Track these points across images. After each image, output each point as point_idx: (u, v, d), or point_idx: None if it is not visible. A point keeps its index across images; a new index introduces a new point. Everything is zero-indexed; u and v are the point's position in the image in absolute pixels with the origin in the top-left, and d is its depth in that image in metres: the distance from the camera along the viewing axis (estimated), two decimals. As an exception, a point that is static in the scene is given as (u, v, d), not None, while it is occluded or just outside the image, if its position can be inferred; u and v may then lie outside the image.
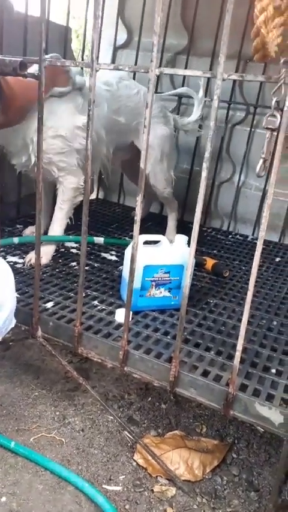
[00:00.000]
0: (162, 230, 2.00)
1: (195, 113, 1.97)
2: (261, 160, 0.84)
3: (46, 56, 1.03)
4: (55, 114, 1.47)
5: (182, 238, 1.40)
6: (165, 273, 1.37)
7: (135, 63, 2.26)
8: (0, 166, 1.85)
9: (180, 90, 2.03)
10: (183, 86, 2.25)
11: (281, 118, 0.78)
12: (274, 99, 0.78)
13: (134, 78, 2.27)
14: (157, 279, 1.36)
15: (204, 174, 0.87)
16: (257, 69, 2.07)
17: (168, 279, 1.38)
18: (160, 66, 2.28)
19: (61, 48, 2.13)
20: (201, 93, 1.92)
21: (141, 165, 0.95)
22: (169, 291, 1.39)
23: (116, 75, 1.72)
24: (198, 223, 0.93)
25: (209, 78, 2.14)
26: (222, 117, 2.19)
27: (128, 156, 1.95)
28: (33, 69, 1.08)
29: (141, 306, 1.37)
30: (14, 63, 0.99)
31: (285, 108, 0.77)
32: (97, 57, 0.92)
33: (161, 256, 1.36)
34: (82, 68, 2.16)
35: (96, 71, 0.94)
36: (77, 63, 1.10)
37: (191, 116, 1.98)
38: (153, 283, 1.36)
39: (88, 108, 0.97)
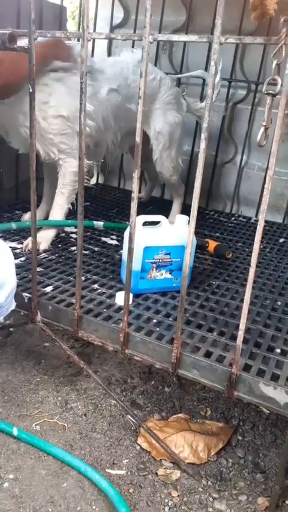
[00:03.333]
0: (164, 214, 1.93)
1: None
2: (262, 128, 0.80)
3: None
4: (58, 94, 1.42)
5: (183, 219, 1.36)
6: (166, 254, 1.33)
7: (133, 42, 2.20)
8: (-2, 151, 1.82)
9: (195, 73, 1.96)
10: (181, 65, 2.21)
11: (282, 82, 0.74)
12: (274, 62, 0.74)
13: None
14: (158, 260, 1.33)
15: (202, 145, 0.83)
16: (258, 47, 2.01)
17: (169, 260, 1.34)
18: (158, 44, 2.22)
19: (56, 28, 2.07)
20: (218, 77, 1.86)
21: (137, 139, 0.91)
22: (170, 273, 1.36)
23: (135, 59, 1.66)
24: (197, 199, 0.89)
25: (207, 60, 2.11)
26: (223, 96, 2.13)
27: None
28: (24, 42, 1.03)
29: (142, 288, 1.34)
30: (3, 36, 0.95)
31: (286, 71, 0.73)
32: (88, 26, 0.88)
33: (162, 237, 1.33)
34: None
35: (88, 40, 0.89)
36: (68, 34, 1.06)
37: (204, 101, 1.92)
38: (154, 265, 1.33)
39: (80, 81, 0.93)
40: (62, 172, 1.54)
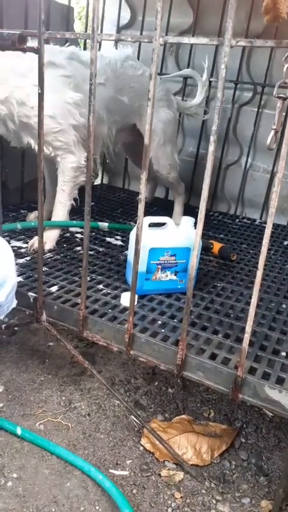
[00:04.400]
0: (168, 215, 1.94)
1: (199, 96, 1.91)
2: (272, 132, 0.80)
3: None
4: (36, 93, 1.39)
5: (189, 221, 1.36)
6: (171, 255, 1.34)
7: (139, 44, 2.20)
8: (3, 152, 1.82)
9: (184, 71, 1.97)
10: (188, 66, 2.21)
11: (293, 86, 0.74)
12: (286, 66, 0.74)
13: (138, 58, 2.23)
14: (163, 262, 1.33)
15: (211, 148, 0.84)
16: (265, 49, 2.01)
17: (175, 262, 1.35)
18: (165, 44, 2.22)
19: (63, 28, 2.08)
20: (205, 76, 1.87)
21: (146, 141, 0.91)
22: (175, 274, 1.36)
23: (122, 55, 1.66)
24: (205, 201, 0.89)
25: (214, 60, 2.12)
26: (229, 98, 2.14)
27: (131, 139, 1.90)
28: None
29: (147, 289, 1.34)
30: (12, 37, 0.95)
31: (297, 75, 0.73)
32: (97, 27, 0.88)
33: (167, 239, 1.33)
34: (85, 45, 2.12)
35: (98, 42, 0.90)
36: (78, 35, 1.06)
37: (195, 99, 1.93)
38: (159, 266, 1.33)
39: (90, 82, 0.93)
40: (61, 169, 1.53)
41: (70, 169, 1.51)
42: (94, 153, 1.62)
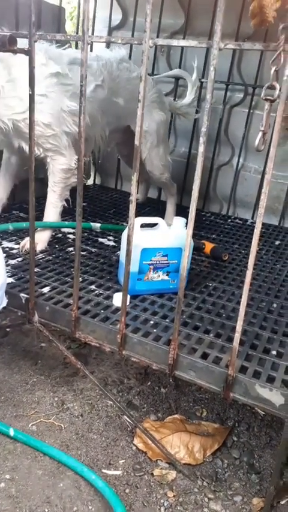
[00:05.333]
0: (160, 215, 1.95)
1: (189, 96, 1.93)
2: (260, 133, 0.81)
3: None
4: (39, 98, 1.37)
5: (180, 221, 1.37)
6: (163, 256, 1.34)
7: (131, 45, 2.21)
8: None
9: (173, 72, 1.98)
10: (179, 67, 2.21)
11: (280, 88, 0.75)
12: (273, 68, 0.75)
13: (130, 58, 2.24)
14: (155, 262, 1.34)
15: (201, 149, 0.84)
16: (255, 50, 2.02)
17: (167, 262, 1.35)
18: (156, 46, 2.23)
19: (54, 29, 2.08)
20: (194, 75, 1.88)
21: (136, 142, 0.91)
22: (167, 275, 1.37)
23: (117, 56, 1.67)
24: (195, 202, 0.90)
25: (205, 61, 2.13)
26: (220, 99, 2.15)
27: (124, 139, 1.91)
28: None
29: (139, 289, 1.35)
30: (3, 38, 0.96)
31: (284, 78, 0.74)
32: (88, 29, 0.89)
33: (159, 239, 1.34)
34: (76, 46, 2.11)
35: (88, 43, 0.90)
36: (68, 37, 1.06)
37: (185, 99, 1.94)
38: (151, 266, 1.34)
39: (80, 83, 0.94)
40: (51, 170, 1.53)
41: (60, 170, 1.52)
42: (85, 153, 1.63)
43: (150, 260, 1.33)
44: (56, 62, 1.44)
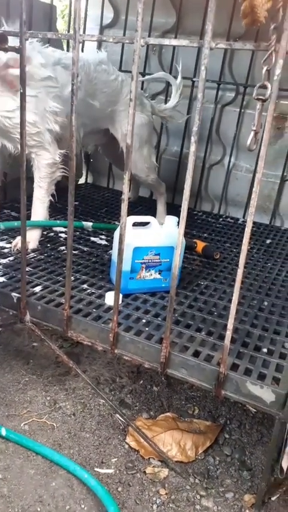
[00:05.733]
0: (153, 214, 1.97)
1: (172, 99, 1.92)
2: (252, 133, 0.81)
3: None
4: (29, 98, 1.38)
5: (172, 220, 1.37)
6: (156, 254, 1.35)
7: (122, 44, 2.21)
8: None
9: (157, 74, 1.98)
10: (171, 66, 2.22)
11: (272, 88, 0.75)
12: (265, 68, 0.75)
13: (121, 57, 2.24)
14: (147, 261, 1.34)
15: (192, 148, 0.85)
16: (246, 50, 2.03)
17: (159, 261, 1.36)
18: (147, 45, 2.23)
19: (46, 27, 2.07)
20: (179, 79, 1.88)
21: (128, 141, 0.92)
22: (159, 273, 1.37)
23: (96, 59, 1.66)
24: (187, 200, 0.90)
25: (197, 60, 2.13)
26: (212, 98, 2.15)
27: (104, 141, 1.90)
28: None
29: (131, 288, 1.35)
30: (-6, 36, 0.95)
31: (275, 77, 0.74)
32: (79, 28, 0.88)
33: (151, 238, 1.34)
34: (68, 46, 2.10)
35: (80, 42, 0.90)
36: (59, 35, 1.06)
37: (168, 103, 1.94)
38: (143, 265, 1.34)
39: (72, 82, 0.94)
40: (36, 166, 1.54)
41: (46, 165, 1.52)
42: (63, 148, 1.62)
43: (143, 259, 1.33)
44: (48, 64, 1.47)
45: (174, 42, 0.83)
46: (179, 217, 0.97)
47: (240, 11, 0.71)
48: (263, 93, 0.79)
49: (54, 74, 1.48)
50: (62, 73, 1.51)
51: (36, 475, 1.13)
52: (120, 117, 1.75)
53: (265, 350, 1.14)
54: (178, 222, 1.29)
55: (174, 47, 2.20)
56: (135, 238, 1.30)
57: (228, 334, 0.95)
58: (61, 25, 3.29)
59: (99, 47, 2.36)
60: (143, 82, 2.21)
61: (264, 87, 0.77)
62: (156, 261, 1.35)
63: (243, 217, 2.24)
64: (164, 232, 1.36)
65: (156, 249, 1.34)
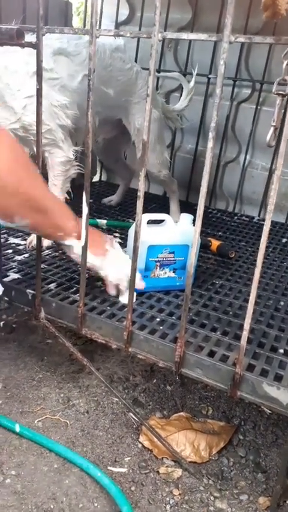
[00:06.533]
0: (166, 212, 1.96)
1: (182, 102, 1.90)
2: (271, 129, 0.79)
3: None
4: (29, 100, 1.35)
5: (187, 218, 1.36)
6: (170, 253, 1.33)
7: (138, 40, 2.20)
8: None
9: (171, 74, 1.96)
10: (186, 63, 2.20)
11: (292, 82, 0.73)
12: (285, 62, 0.74)
13: (136, 56, 2.22)
14: (161, 259, 1.33)
15: (210, 144, 0.83)
16: (263, 46, 2.01)
17: (173, 259, 1.34)
18: (163, 40, 2.21)
19: (61, 24, 2.07)
20: (192, 83, 1.85)
21: (144, 137, 0.91)
22: (174, 272, 1.36)
23: (112, 44, 1.62)
24: (204, 198, 0.89)
25: (213, 57, 2.11)
26: (228, 95, 2.13)
27: (114, 134, 1.88)
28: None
29: (145, 287, 1.34)
30: (10, 31, 0.95)
31: (296, 72, 0.72)
32: (96, 22, 0.88)
33: (166, 236, 1.33)
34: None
35: (97, 37, 0.89)
36: (76, 30, 1.05)
37: (177, 104, 1.91)
38: (158, 263, 1.33)
39: (88, 78, 0.93)
40: (50, 165, 1.51)
41: (59, 163, 1.50)
42: (77, 144, 1.60)
43: (157, 257, 1.32)
44: (46, 55, 1.39)
45: (192, 36, 0.82)
46: (194, 215, 0.96)
47: (261, 3, 0.69)
48: (283, 88, 0.77)
49: (53, 65, 1.42)
50: (65, 63, 1.46)
51: (50, 472, 1.13)
52: (135, 109, 1.72)
53: (281, 351, 1.12)
54: (193, 220, 1.28)
55: (189, 43, 2.18)
56: (150, 236, 1.29)
57: (245, 334, 0.94)
58: (76, 22, 3.29)
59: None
60: (158, 79, 2.20)
61: (284, 82, 0.75)
62: (171, 259, 1.34)
63: (259, 215, 2.21)
64: (179, 230, 1.34)
65: (170, 247, 1.33)
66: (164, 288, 1.36)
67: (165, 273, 1.35)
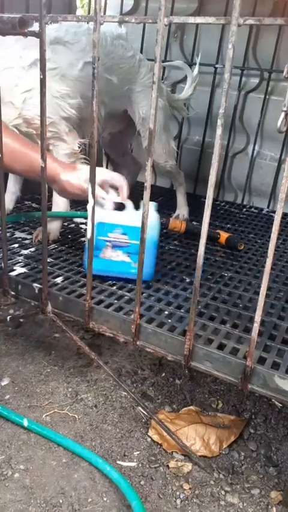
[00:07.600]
0: (173, 205, 1.94)
1: (186, 91, 1.86)
2: (282, 114, 0.77)
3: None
4: (28, 94, 1.33)
5: (151, 204, 1.28)
6: (123, 234, 1.26)
7: (143, 30, 2.16)
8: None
9: (175, 63, 1.93)
10: (192, 54, 2.16)
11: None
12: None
13: (142, 47, 2.19)
14: (113, 239, 1.27)
15: (218, 131, 0.81)
16: (271, 31, 1.96)
17: (126, 241, 1.27)
18: (169, 31, 2.18)
19: (65, 16, 2.04)
20: (196, 71, 1.82)
21: (150, 125, 0.88)
22: (128, 256, 1.29)
23: (114, 32, 1.59)
24: (213, 187, 0.87)
25: (219, 46, 2.07)
26: (235, 84, 2.09)
27: (120, 127, 1.85)
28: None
29: (96, 268, 1.24)
30: (13, 20, 0.93)
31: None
32: (100, 9, 0.85)
33: (119, 217, 1.26)
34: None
35: (101, 24, 0.87)
36: (80, 17, 1.03)
37: (182, 93, 1.88)
38: (109, 243, 1.27)
39: (93, 66, 0.91)
40: (55, 157, 1.49)
41: (63, 156, 1.47)
42: (84, 135, 1.58)
43: (107, 236, 1.26)
44: (34, 47, 1.37)
45: (199, 19, 0.79)
46: (202, 209, 0.93)
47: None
48: (294, 72, 0.75)
49: (50, 54, 1.35)
50: (64, 52, 1.42)
51: (58, 466, 1.12)
52: (139, 98, 1.70)
53: (293, 343, 1.09)
54: (157, 209, 1.22)
55: (196, 33, 2.14)
56: (100, 214, 1.21)
57: (256, 326, 0.92)
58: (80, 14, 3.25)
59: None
60: (164, 69, 2.17)
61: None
62: (124, 241, 1.27)
63: (268, 207, 2.17)
64: (137, 214, 1.23)
65: (123, 228, 1.25)
66: (118, 273, 1.30)
67: (118, 255, 1.28)
